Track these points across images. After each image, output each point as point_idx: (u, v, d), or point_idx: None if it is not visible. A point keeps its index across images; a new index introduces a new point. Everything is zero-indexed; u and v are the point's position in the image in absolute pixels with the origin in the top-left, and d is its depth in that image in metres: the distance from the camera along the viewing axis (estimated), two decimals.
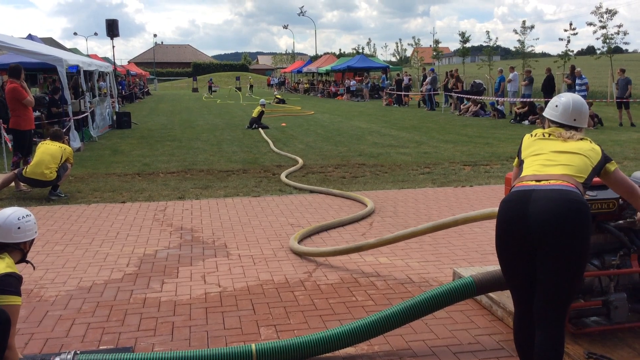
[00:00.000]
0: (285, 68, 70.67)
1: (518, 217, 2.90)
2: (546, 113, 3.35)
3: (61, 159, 8.41)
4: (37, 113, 14.73)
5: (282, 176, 9.71)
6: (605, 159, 3.12)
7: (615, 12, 26.25)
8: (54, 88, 15.75)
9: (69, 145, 9.29)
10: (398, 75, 35.06)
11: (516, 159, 3.36)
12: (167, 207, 7.79)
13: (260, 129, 18.00)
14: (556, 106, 3.28)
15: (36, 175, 8.19)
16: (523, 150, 3.27)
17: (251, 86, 60.15)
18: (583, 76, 19.93)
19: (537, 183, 2.95)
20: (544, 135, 3.24)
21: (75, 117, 14.43)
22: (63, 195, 8.45)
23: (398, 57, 72.65)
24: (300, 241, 6.03)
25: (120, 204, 8.01)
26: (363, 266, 5.35)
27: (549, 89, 20.43)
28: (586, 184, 2.99)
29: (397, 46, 75.13)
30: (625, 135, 15.43)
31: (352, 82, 39.29)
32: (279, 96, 38.09)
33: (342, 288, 4.82)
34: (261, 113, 19.25)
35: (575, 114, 3.23)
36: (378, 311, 3.60)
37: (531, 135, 3.32)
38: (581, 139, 3.15)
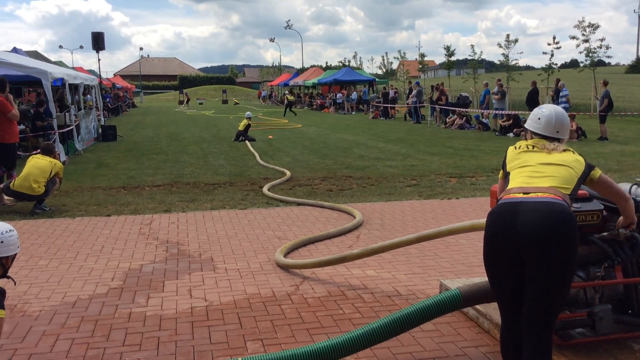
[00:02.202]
0: (272, 81, 70.78)
1: (506, 230, 2.92)
2: (528, 125, 3.39)
3: (50, 173, 8.35)
4: (22, 126, 14.61)
5: (265, 189, 9.70)
6: (589, 168, 3.19)
7: (598, 26, 26.65)
8: (39, 101, 15.65)
9: (59, 160, 9.20)
10: (384, 88, 35.25)
11: (501, 171, 3.39)
12: (153, 221, 7.74)
13: (247, 142, 18.00)
14: (539, 118, 3.32)
15: (24, 188, 8.12)
16: (508, 162, 3.30)
17: (236, 104, 59.48)
18: (565, 89, 20.15)
19: (525, 195, 2.98)
20: (528, 147, 3.28)
21: (60, 131, 14.34)
22: (47, 209, 8.37)
23: (384, 70, 73.05)
24: (287, 254, 6.02)
25: (106, 218, 7.95)
26: (350, 279, 5.35)
27: (533, 102, 20.61)
28: (572, 195, 3.03)
29: (383, 59, 75.44)
30: (609, 148, 15.61)
31: (339, 95, 39.44)
32: (290, 97, 38.62)
33: (329, 301, 4.81)
34: (247, 126, 19.27)
35: (558, 126, 3.28)
36: (365, 324, 3.60)
37: (515, 147, 3.35)
38: (564, 150, 3.19)
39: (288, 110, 35.82)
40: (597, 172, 3.21)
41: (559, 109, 3.37)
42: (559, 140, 3.27)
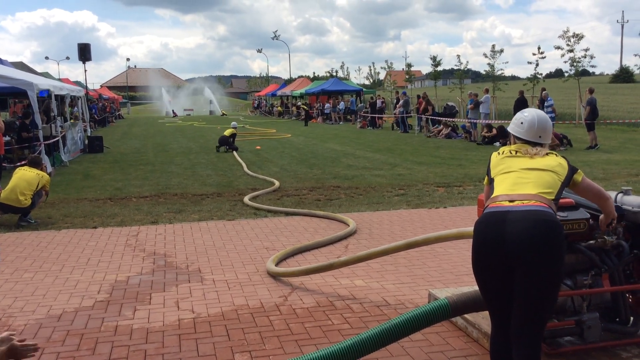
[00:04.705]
0: (259, 91, 70.77)
1: (495, 239, 2.93)
2: (511, 129, 3.41)
3: (37, 186, 8.27)
4: (7, 138, 14.50)
5: (246, 199, 9.68)
6: (572, 171, 3.21)
7: (582, 36, 26.91)
8: (26, 112, 15.54)
9: (47, 172, 9.10)
10: (372, 98, 35.39)
11: (486, 178, 3.41)
12: (140, 232, 7.68)
13: (234, 152, 17.93)
14: (521, 123, 3.35)
15: (10, 201, 8.04)
16: (492, 168, 3.33)
17: (223, 115, 59.05)
18: (549, 98, 20.31)
19: (511, 203, 2.99)
20: (511, 153, 3.30)
21: (46, 142, 14.23)
22: (33, 221, 8.29)
23: (371, 80, 73.37)
24: (278, 262, 6.00)
25: (92, 230, 7.88)
26: (339, 289, 5.33)
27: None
28: (556, 199, 3.06)
29: (371, 69, 75.73)
30: (595, 156, 15.74)
31: (326, 105, 39.57)
32: (304, 107, 38.77)
33: (318, 312, 4.79)
34: (233, 135, 19.23)
35: (540, 130, 3.31)
36: (354, 335, 3.58)
37: (499, 153, 3.38)
38: (547, 154, 3.22)
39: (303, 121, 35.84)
40: (580, 176, 3.25)
41: (541, 113, 3.40)
42: (541, 144, 3.30)
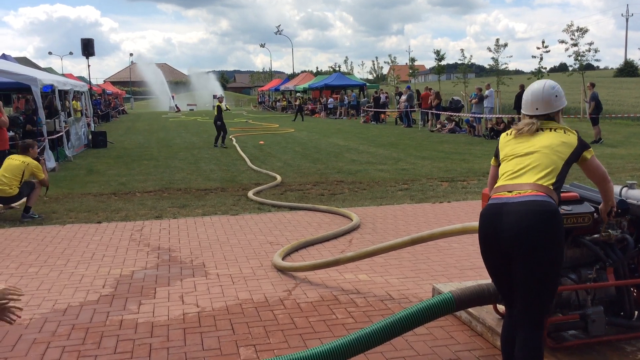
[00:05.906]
0: (262, 86, 70.70)
1: (491, 232, 3.01)
2: (523, 110, 3.41)
3: (23, 174, 8.19)
4: (12, 133, 14.52)
5: (250, 194, 9.69)
6: (582, 147, 3.17)
7: (586, 30, 26.83)
8: (34, 109, 15.57)
9: (41, 159, 8.97)
10: (375, 92, 35.35)
11: (493, 159, 3.47)
12: (144, 227, 7.70)
13: (237, 147, 17.86)
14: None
15: None
16: (500, 150, 3.37)
17: (227, 109, 59.03)
18: None
19: (510, 194, 3.03)
20: (517, 133, 3.30)
21: (50, 137, 14.26)
22: (37, 216, 8.30)
23: (375, 75, 73.17)
24: (285, 256, 6.01)
25: (96, 224, 7.90)
26: (343, 283, 5.34)
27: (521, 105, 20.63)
28: (557, 182, 3.05)
29: (374, 64, 75.38)
30: (599, 151, 15.68)
31: (330, 100, 39.52)
32: (299, 101, 38.68)
33: (322, 306, 4.80)
34: (219, 109, 19.20)
35: (536, 103, 3.30)
36: (358, 329, 3.58)
37: (507, 134, 3.39)
38: (555, 130, 3.20)
39: (298, 115, 35.74)
40: (590, 153, 3.21)
41: (537, 84, 3.36)
42: (545, 116, 3.27)
